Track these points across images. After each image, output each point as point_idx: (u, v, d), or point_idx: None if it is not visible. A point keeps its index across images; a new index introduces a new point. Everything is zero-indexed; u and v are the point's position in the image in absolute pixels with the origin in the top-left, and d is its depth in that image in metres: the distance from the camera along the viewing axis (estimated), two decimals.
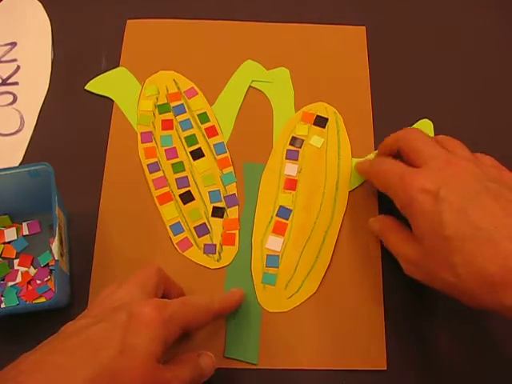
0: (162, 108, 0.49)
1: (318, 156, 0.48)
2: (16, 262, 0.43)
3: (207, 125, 0.49)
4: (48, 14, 0.54)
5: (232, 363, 0.41)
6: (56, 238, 0.38)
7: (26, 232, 0.44)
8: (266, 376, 0.40)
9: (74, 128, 0.49)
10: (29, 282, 0.42)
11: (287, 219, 0.45)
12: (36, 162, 0.40)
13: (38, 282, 0.43)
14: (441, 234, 0.34)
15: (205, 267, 0.44)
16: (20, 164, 0.47)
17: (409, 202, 0.36)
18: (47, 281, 0.43)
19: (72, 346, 0.31)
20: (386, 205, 0.46)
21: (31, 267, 0.43)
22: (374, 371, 0.41)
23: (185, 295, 0.40)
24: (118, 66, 0.51)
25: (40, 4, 0.54)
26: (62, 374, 0.29)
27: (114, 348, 0.31)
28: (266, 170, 0.47)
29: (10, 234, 0.44)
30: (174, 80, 0.51)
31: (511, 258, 0.31)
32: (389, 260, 0.42)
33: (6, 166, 0.41)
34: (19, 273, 0.43)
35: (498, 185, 0.35)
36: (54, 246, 0.38)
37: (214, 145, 0.48)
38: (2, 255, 0.43)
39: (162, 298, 0.37)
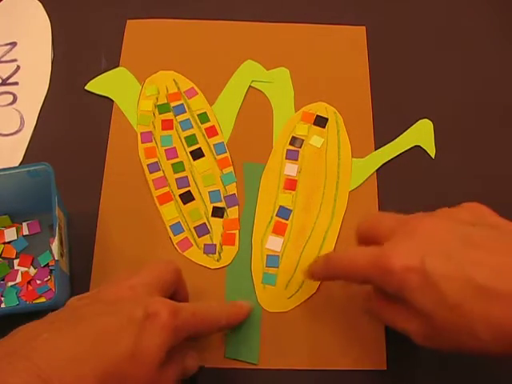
0: (162, 108, 0.49)
1: (318, 156, 0.48)
2: (16, 262, 0.43)
3: (207, 125, 0.49)
4: (48, 14, 0.54)
5: (232, 363, 0.41)
6: (56, 237, 0.38)
7: (26, 232, 0.44)
8: (267, 376, 0.40)
9: (74, 128, 0.49)
10: (29, 282, 0.42)
11: (287, 219, 0.45)
12: (36, 162, 0.40)
13: (38, 281, 0.43)
14: (446, 305, 0.31)
15: (205, 267, 0.44)
16: (20, 164, 0.47)
17: (399, 286, 0.32)
18: (47, 281, 0.43)
19: (85, 334, 0.30)
20: (386, 205, 0.46)
21: (31, 267, 0.43)
22: (374, 371, 0.41)
23: (188, 298, 0.40)
24: (117, 66, 0.51)
25: (40, 4, 0.54)
26: (75, 364, 0.29)
27: (127, 348, 0.30)
28: (266, 170, 0.47)
29: (10, 234, 0.44)
30: (174, 80, 0.51)
31: None
32: None
33: (5, 166, 0.41)
34: (19, 273, 0.43)
35: (475, 227, 0.32)
36: (54, 245, 0.38)
37: (213, 145, 0.48)
38: (2, 255, 0.43)
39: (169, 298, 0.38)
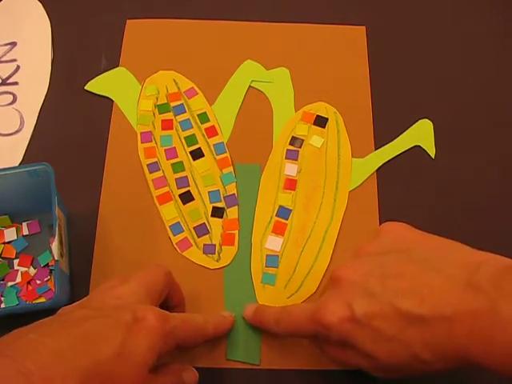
0: (162, 108, 0.49)
1: (318, 156, 0.48)
2: (16, 262, 0.43)
3: (207, 125, 0.49)
4: (48, 14, 0.54)
5: (234, 364, 0.41)
6: (56, 237, 0.38)
7: (25, 232, 0.44)
8: (267, 376, 0.40)
9: (74, 128, 0.49)
10: (29, 282, 0.42)
11: (287, 219, 0.45)
12: (36, 162, 0.40)
13: (38, 282, 0.43)
14: (384, 340, 0.32)
15: (204, 267, 0.44)
16: (20, 164, 0.47)
17: (340, 336, 0.33)
18: (47, 281, 0.43)
19: (72, 334, 0.31)
20: (386, 205, 0.46)
21: (31, 267, 0.43)
22: None
23: (185, 302, 0.40)
24: (117, 65, 0.51)
25: (40, 4, 0.54)
26: (59, 361, 0.29)
27: (114, 348, 0.30)
28: (265, 170, 0.47)
29: (10, 234, 0.44)
30: (173, 80, 0.51)
31: (453, 319, 0.30)
32: None
33: (5, 166, 0.41)
34: (19, 273, 0.43)
35: (388, 256, 0.34)
36: (54, 246, 0.38)
37: (213, 145, 0.48)
38: (2, 255, 0.43)
39: (164, 301, 0.38)
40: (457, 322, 0.29)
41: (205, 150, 0.48)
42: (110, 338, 0.31)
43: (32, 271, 0.43)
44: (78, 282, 0.43)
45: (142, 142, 0.48)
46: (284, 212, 0.45)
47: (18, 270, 0.43)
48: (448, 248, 0.34)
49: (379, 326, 0.32)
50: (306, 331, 0.36)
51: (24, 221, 0.44)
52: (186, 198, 0.46)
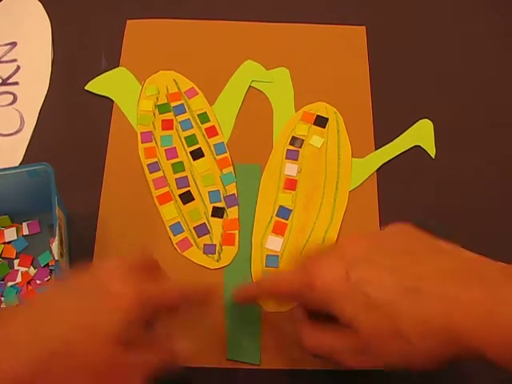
0: (162, 108, 0.49)
1: (318, 156, 0.48)
2: (16, 262, 0.43)
3: (207, 125, 0.49)
4: (48, 14, 0.54)
5: (234, 363, 0.41)
6: (56, 237, 0.38)
7: (25, 232, 0.44)
8: (267, 376, 0.40)
9: (74, 128, 0.49)
10: (29, 282, 0.42)
11: (287, 219, 0.45)
12: (36, 162, 0.40)
13: (38, 281, 0.42)
14: (370, 307, 0.31)
15: (204, 267, 0.44)
16: (20, 164, 0.47)
17: (322, 299, 0.32)
18: (47, 281, 0.43)
19: (35, 313, 0.30)
20: (386, 205, 0.46)
21: (31, 267, 0.43)
22: (374, 371, 0.41)
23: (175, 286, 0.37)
24: (117, 66, 0.51)
25: (40, 4, 0.54)
26: (9, 347, 0.28)
27: (78, 323, 0.29)
28: (265, 170, 0.47)
29: (10, 234, 0.44)
30: (174, 80, 0.51)
31: (451, 299, 0.29)
32: None
33: (5, 166, 0.41)
34: (19, 273, 0.43)
35: (399, 244, 0.33)
36: (54, 246, 0.38)
37: (213, 145, 0.48)
38: (2, 255, 0.43)
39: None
40: (459, 302, 0.29)
41: (205, 150, 0.48)
42: (76, 314, 0.30)
43: (32, 271, 0.43)
44: None
45: (142, 142, 0.48)
46: (284, 212, 0.45)
47: (18, 270, 0.43)
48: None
49: (370, 292, 0.31)
50: (287, 289, 0.34)
51: (24, 221, 0.44)
52: (186, 198, 0.46)
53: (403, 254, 0.32)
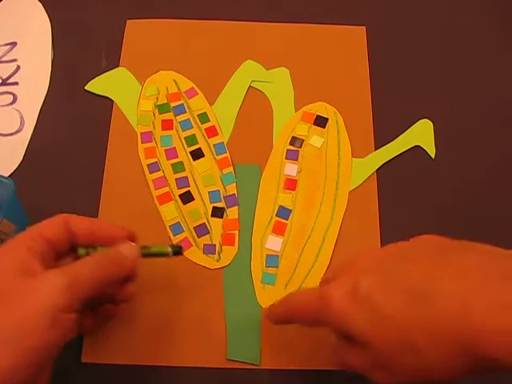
0: (162, 108, 0.49)
1: (318, 156, 0.48)
2: None
3: (207, 125, 0.49)
4: (48, 14, 0.54)
5: (234, 363, 0.41)
6: None
7: None
8: (267, 376, 0.40)
9: (74, 128, 0.49)
10: None
11: (287, 219, 0.45)
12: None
13: None
14: (380, 318, 0.29)
15: (204, 267, 0.44)
16: (20, 164, 0.47)
17: (337, 318, 0.31)
18: None
19: None
20: (386, 205, 0.46)
21: None
22: None
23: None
24: (117, 66, 0.51)
25: (40, 4, 0.54)
26: None
27: None
28: (265, 170, 0.47)
29: None
30: (174, 80, 0.51)
31: (467, 297, 0.27)
32: None
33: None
34: None
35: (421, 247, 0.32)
36: None
37: (213, 145, 0.48)
38: None
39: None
40: (476, 300, 0.27)
41: (205, 150, 0.48)
42: None
43: None
44: None
45: (142, 142, 0.48)
46: (284, 212, 0.45)
47: None
48: None
49: (378, 300, 0.29)
50: (308, 315, 0.33)
51: None
52: (186, 198, 0.46)
53: (419, 259, 0.30)
